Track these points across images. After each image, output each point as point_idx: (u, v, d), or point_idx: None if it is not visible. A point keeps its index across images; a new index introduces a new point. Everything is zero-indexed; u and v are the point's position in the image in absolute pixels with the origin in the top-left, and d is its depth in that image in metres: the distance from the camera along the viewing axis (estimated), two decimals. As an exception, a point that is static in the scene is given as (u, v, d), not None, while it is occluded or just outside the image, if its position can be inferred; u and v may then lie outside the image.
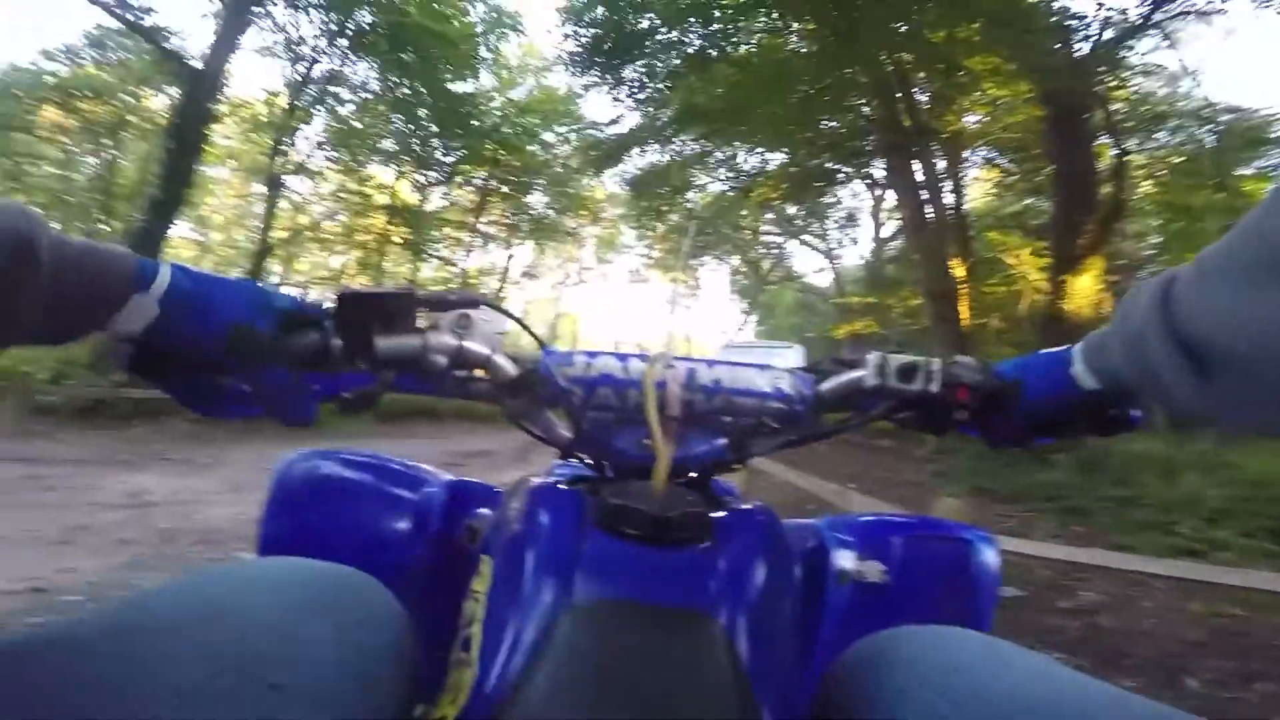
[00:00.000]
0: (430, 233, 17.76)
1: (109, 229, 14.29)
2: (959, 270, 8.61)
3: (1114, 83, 8.04)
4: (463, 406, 10.57)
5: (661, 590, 0.40)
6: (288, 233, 16.24)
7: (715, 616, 0.39)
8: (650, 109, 12.51)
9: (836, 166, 13.61)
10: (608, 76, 11.68)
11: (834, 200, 18.29)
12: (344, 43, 13.10)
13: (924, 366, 0.53)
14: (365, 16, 12.54)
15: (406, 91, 14.33)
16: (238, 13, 9.33)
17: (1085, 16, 7.20)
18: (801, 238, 21.48)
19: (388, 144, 16.09)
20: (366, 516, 0.66)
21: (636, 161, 15.08)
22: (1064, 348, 0.51)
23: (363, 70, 14.24)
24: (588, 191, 21.52)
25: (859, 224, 20.80)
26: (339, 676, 0.33)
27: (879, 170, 13.44)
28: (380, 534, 0.65)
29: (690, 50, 10.51)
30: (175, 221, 9.02)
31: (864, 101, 10.21)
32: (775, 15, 9.54)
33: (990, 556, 0.66)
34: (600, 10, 10.61)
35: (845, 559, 0.63)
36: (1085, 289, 7.07)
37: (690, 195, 18.70)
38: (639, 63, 11.24)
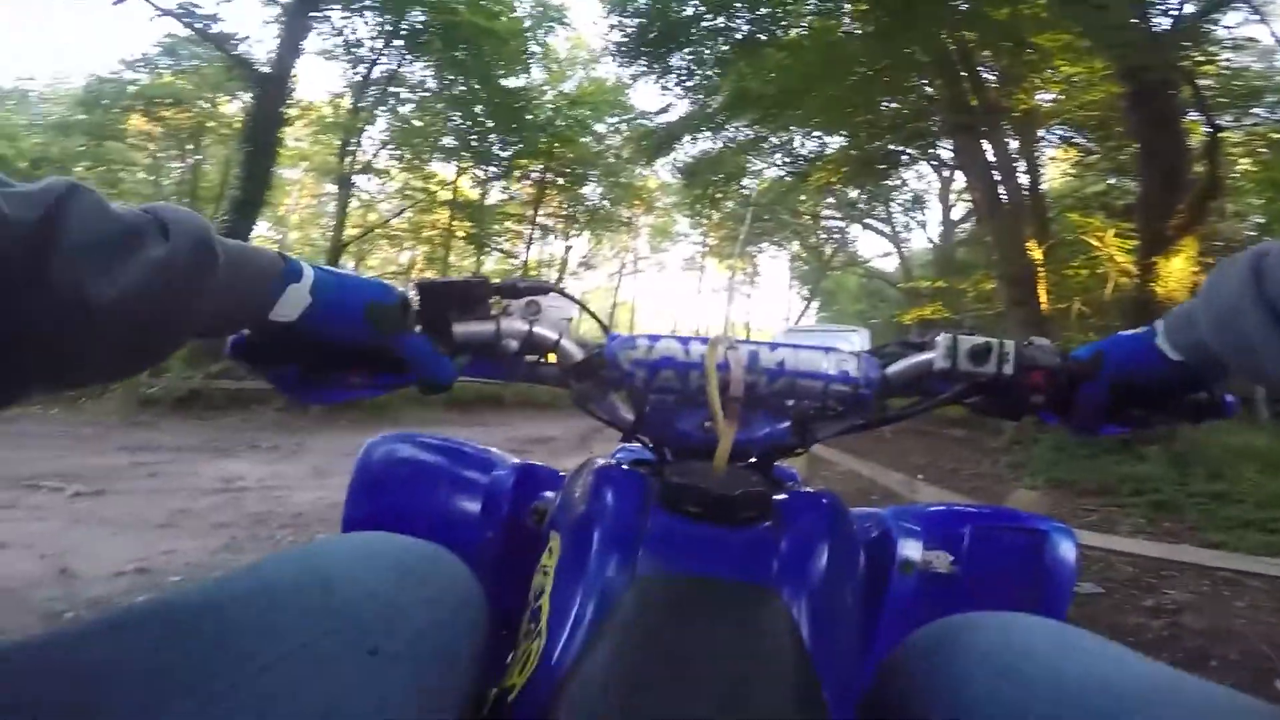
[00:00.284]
0: (491, 226, 18.17)
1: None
2: (1036, 253, 8.16)
3: (1200, 58, 7.42)
4: (526, 395, 10.90)
5: (724, 566, 0.41)
6: (358, 230, 16.92)
7: (778, 592, 0.39)
8: (700, 96, 12.35)
9: (900, 148, 13.10)
10: (655, 65, 11.61)
11: (898, 183, 17.67)
12: (399, 43, 13.48)
13: (997, 349, 0.52)
14: (418, 16, 12.85)
15: (462, 89, 14.63)
16: (298, 17, 9.70)
17: None
18: (865, 221, 20.87)
19: (447, 141, 16.51)
20: (441, 497, 0.68)
21: (688, 149, 15.01)
22: (1145, 326, 0.50)
23: (419, 69, 14.66)
24: (640, 181, 21.54)
25: (926, 206, 20.01)
26: (428, 646, 0.35)
27: (946, 151, 12.89)
28: (453, 514, 0.68)
29: (738, 36, 10.30)
30: (257, 221, 9.58)
31: (926, 81, 9.78)
32: (826, -5, 9.26)
33: (1066, 549, 0.64)
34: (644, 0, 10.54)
35: (911, 548, 0.62)
36: (1178, 272, 6.59)
37: (745, 181, 18.46)
38: (686, 50, 11.13)
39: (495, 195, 19.05)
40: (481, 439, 0.78)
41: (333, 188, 17.00)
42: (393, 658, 0.32)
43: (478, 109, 15.17)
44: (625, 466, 0.51)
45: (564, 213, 20.88)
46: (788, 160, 14.83)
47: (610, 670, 0.33)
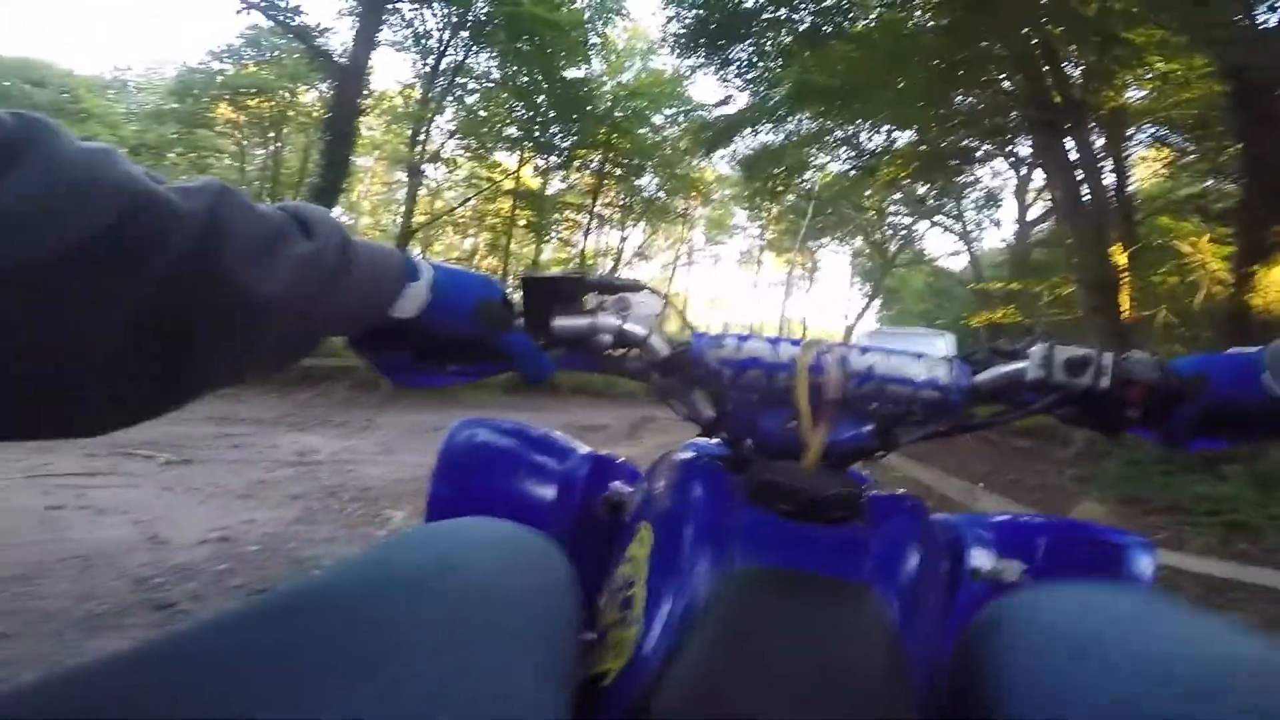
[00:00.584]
0: (551, 215, 18.44)
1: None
2: (1120, 257, 7.71)
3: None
4: (581, 383, 11.02)
5: (819, 561, 0.42)
6: (426, 217, 17.45)
7: (871, 589, 0.40)
8: (761, 89, 12.14)
9: (974, 144, 12.55)
10: (714, 57, 11.47)
11: (971, 180, 16.94)
12: (465, 35, 13.75)
13: (1095, 360, 0.51)
14: (483, 8, 13.11)
15: (525, 79, 14.83)
16: (373, 9, 9.95)
17: None
18: (933, 219, 20.10)
19: (511, 131, 16.80)
20: (519, 483, 0.70)
21: (748, 142, 14.79)
22: (1255, 349, 0.48)
23: (484, 60, 14.94)
24: (697, 173, 21.39)
25: (1001, 204, 19.13)
26: (537, 632, 0.35)
27: (1025, 148, 12.28)
28: (530, 499, 0.69)
29: (802, 28, 10.05)
30: (335, 208, 10.00)
31: (1004, 76, 9.32)
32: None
33: (1145, 564, 0.62)
34: None
35: (982, 557, 0.62)
36: (1279, 283, 6.13)
37: (807, 175, 18.06)
38: (747, 42, 10.93)
39: (555, 185, 19.31)
40: (538, 423, 0.80)
41: (402, 175, 17.58)
42: (514, 645, 0.33)
43: (540, 99, 15.36)
44: (709, 461, 0.52)
45: (621, 203, 20.96)
46: (852, 154, 14.39)
47: (710, 660, 0.33)
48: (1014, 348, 0.56)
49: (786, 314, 25.65)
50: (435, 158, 16.20)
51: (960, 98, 10.49)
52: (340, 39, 10.31)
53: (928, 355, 0.55)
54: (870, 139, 13.37)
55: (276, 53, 15.43)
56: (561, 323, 0.54)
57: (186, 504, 3.07)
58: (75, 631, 1.75)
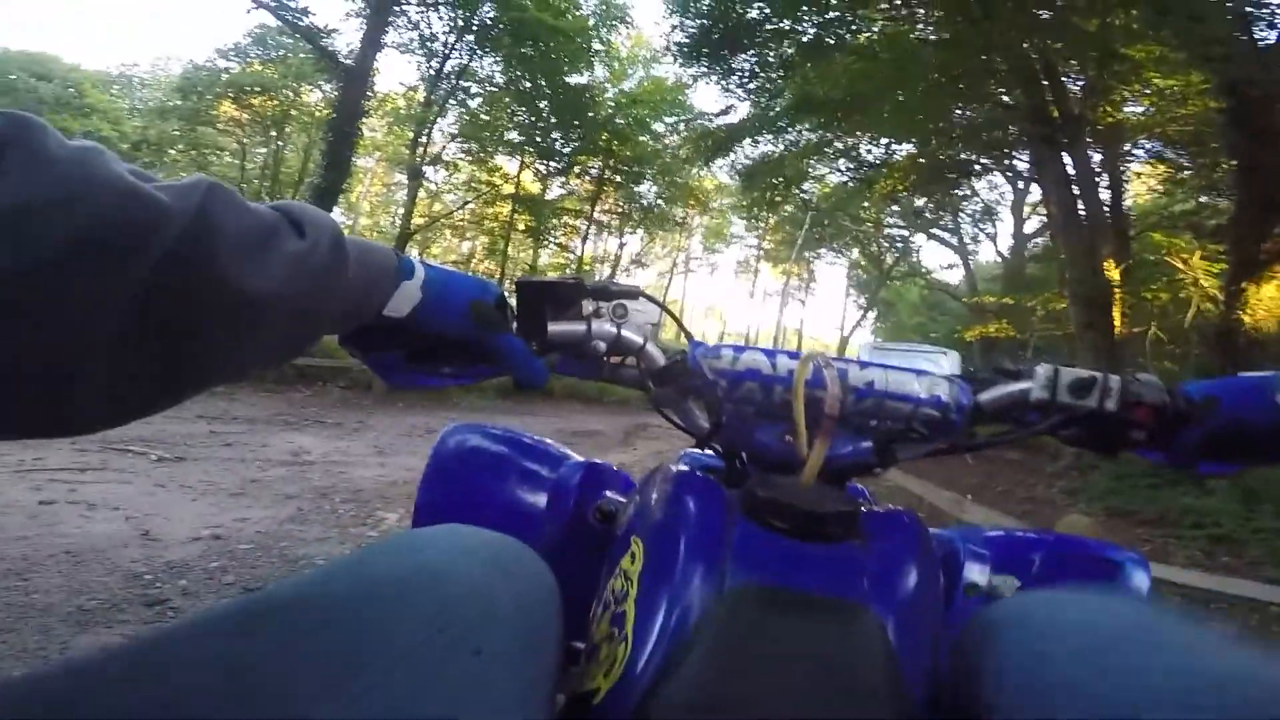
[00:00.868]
0: (550, 221, 18.50)
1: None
2: (1113, 273, 7.77)
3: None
4: (575, 388, 11.02)
5: (815, 580, 0.41)
6: (424, 219, 17.48)
7: (869, 609, 0.39)
8: (762, 99, 12.23)
9: (972, 157, 12.66)
10: (717, 67, 11.52)
11: (968, 192, 17.07)
12: (470, 38, 13.86)
13: (1100, 383, 0.51)
14: (488, 12, 13.22)
15: (528, 84, 14.94)
16: (380, 12, 10.02)
17: (1266, 4, 6.25)
18: (930, 232, 20.24)
19: (512, 135, 16.89)
20: (510, 490, 0.70)
21: (748, 152, 14.90)
22: (1269, 373, 0.48)
23: (488, 64, 15.05)
24: (697, 181, 21.51)
25: (997, 218, 19.28)
26: (522, 643, 0.35)
27: (1022, 162, 12.37)
28: (520, 507, 0.69)
29: (804, 39, 10.13)
30: (335, 208, 10.02)
31: (1004, 90, 9.41)
32: (899, 2, 8.99)
33: (1139, 579, 0.63)
34: (707, 0, 10.47)
35: (976, 572, 0.61)
36: (1270, 299, 6.19)
37: (806, 186, 18.18)
38: (749, 53, 11.01)
39: (555, 190, 19.39)
40: (531, 428, 0.80)
41: (402, 177, 17.63)
42: (495, 658, 0.32)
43: (542, 104, 15.47)
44: (703, 474, 0.51)
45: (619, 210, 21.05)
46: (851, 166, 14.53)
47: (703, 681, 0.33)
48: (1018, 368, 0.56)
49: (783, 323, 25.72)
50: (436, 160, 16.27)
51: (960, 111, 10.59)
52: (346, 39, 10.40)
53: (929, 373, 0.55)
54: (869, 151, 13.52)
55: (282, 52, 15.50)
56: (557, 328, 0.54)
57: (179, 501, 3.06)
58: (66, 626, 1.76)
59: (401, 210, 15.87)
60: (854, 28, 9.89)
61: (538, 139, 16.59)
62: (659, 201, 21.38)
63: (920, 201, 17.01)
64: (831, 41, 9.92)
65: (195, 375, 0.30)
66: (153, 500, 3.01)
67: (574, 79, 15.44)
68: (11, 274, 0.23)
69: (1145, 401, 0.50)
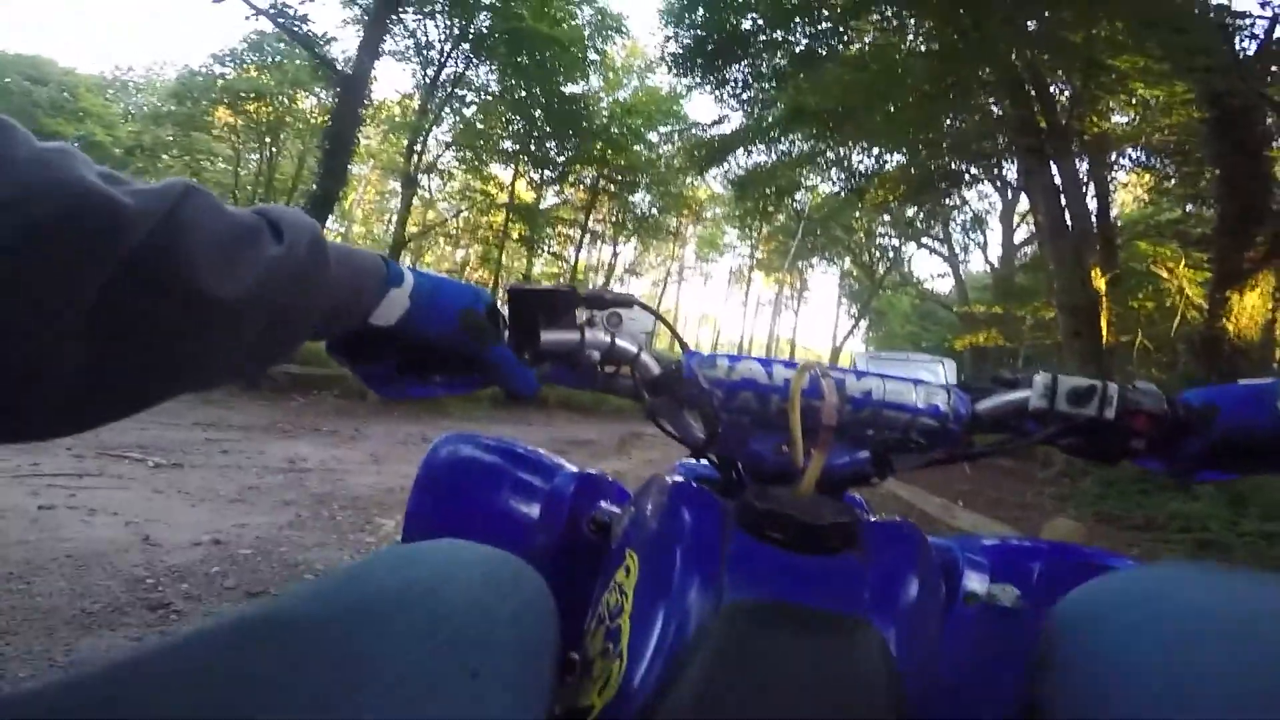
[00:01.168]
0: (544, 229, 18.57)
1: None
2: (1100, 282, 7.89)
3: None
4: (569, 398, 11.02)
5: (815, 594, 0.40)
6: (418, 227, 17.50)
7: (870, 622, 0.38)
8: (755, 109, 12.39)
9: (962, 168, 12.84)
10: (711, 77, 11.69)
11: (958, 202, 17.30)
12: (466, 47, 13.94)
13: (1099, 391, 0.50)
14: (484, 21, 13.31)
15: (523, 93, 15.03)
16: (378, 20, 10.04)
17: (1248, 15, 6.41)
18: (921, 241, 20.45)
19: (507, 144, 16.97)
20: (503, 500, 0.68)
21: (741, 161, 15.07)
22: (1269, 381, 0.47)
23: (484, 73, 15.15)
24: (690, 191, 21.67)
25: (988, 228, 19.57)
26: (518, 662, 0.34)
27: (1011, 172, 12.58)
28: (512, 518, 0.67)
29: (797, 50, 10.29)
30: (331, 216, 10.03)
31: (993, 101, 9.58)
32: (890, 13, 9.14)
33: None
34: (701, 12, 10.61)
35: (976, 581, 0.61)
36: (1253, 308, 6.30)
37: (798, 196, 18.36)
38: (743, 63, 11.17)
39: (549, 199, 19.48)
40: (524, 438, 0.79)
41: (396, 185, 17.63)
42: (491, 679, 0.32)
43: (537, 114, 15.54)
44: (699, 486, 0.50)
45: (614, 219, 21.15)
46: (843, 176, 14.71)
47: (702, 696, 0.32)
48: (1015, 376, 0.56)
49: (776, 332, 25.85)
50: (431, 168, 16.31)
51: (949, 122, 10.76)
52: (342, 46, 10.44)
53: (927, 382, 0.54)
54: (861, 161, 13.69)
55: (278, 58, 15.52)
56: (550, 337, 0.53)
57: (178, 507, 3.07)
58: (69, 629, 1.77)
59: (395, 218, 15.89)
60: (845, 39, 10.05)
61: (532, 148, 16.67)
62: (653, 211, 21.52)
63: (911, 211, 17.19)
64: (823, 53, 10.08)
65: (162, 380, 0.29)
66: (152, 506, 3.02)
67: (569, 88, 15.54)
68: None
69: (1144, 410, 0.49)
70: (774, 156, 14.31)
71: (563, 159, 17.25)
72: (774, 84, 11.22)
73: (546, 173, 17.99)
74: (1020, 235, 17.60)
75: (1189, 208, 10.63)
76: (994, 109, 9.79)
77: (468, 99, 15.69)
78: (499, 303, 0.52)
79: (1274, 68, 6.87)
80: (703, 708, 0.32)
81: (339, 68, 9.59)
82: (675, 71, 12.13)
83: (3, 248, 0.23)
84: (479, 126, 16.42)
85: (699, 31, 10.85)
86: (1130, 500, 5.51)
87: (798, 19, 9.79)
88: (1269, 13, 6.31)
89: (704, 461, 0.61)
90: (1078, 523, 4.20)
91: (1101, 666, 0.36)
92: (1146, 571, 0.40)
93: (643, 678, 0.37)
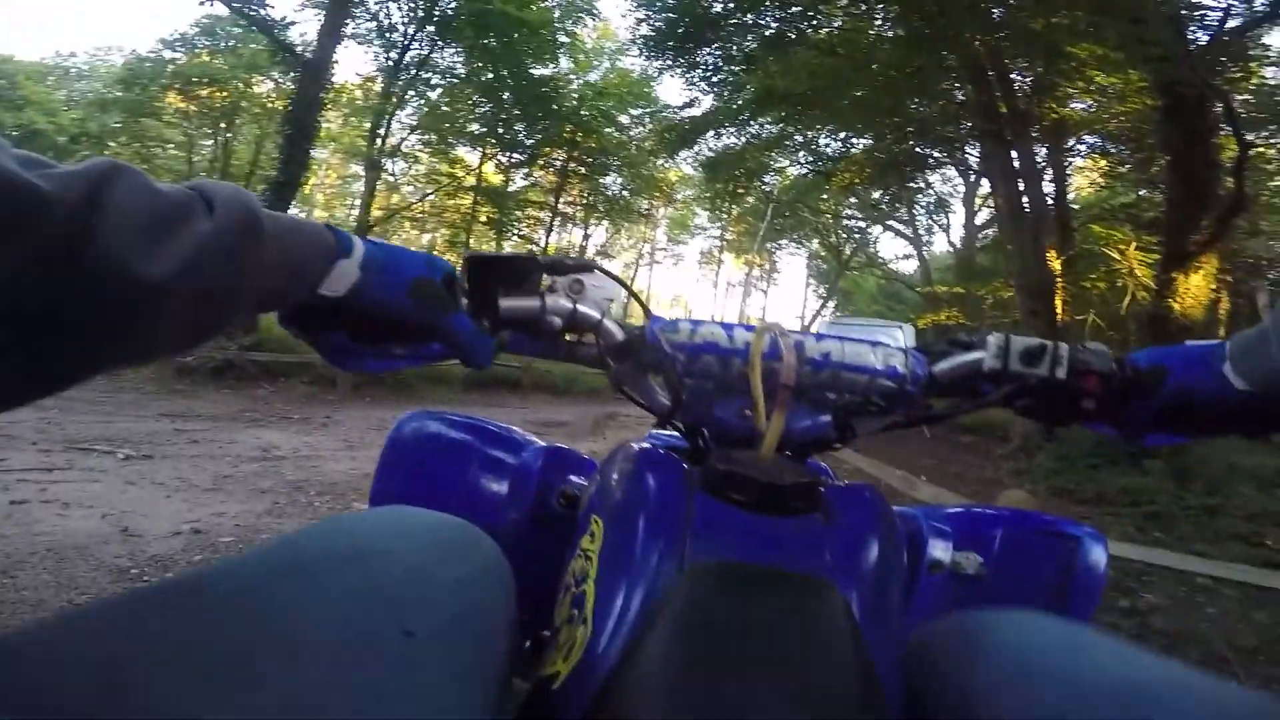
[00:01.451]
0: (513, 212, 18.38)
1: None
2: (1056, 263, 8.19)
3: (1237, 73, 7.41)
4: (543, 379, 11.00)
5: (776, 555, 0.40)
6: (383, 211, 17.17)
7: (832, 583, 0.38)
8: (725, 92, 12.43)
9: (926, 151, 13.10)
10: (682, 60, 11.67)
11: (922, 185, 17.63)
12: (431, 29, 13.63)
13: (1050, 351, 0.51)
14: (450, 3, 13.06)
15: (491, 76, 14.78)
16: (340, 2, 9.75)
17: (1201, 6, 6.67)
18: (887, 223, 20.82)
19: (474, 127, 16.70)
20: (469, 476, 0.68)
21: (711, 144, 15.11)
22: (1215, 342, 0.48)
23: (450, 56, 14.84)
24: (661, 173, 21.64)
25: (951, 210, 19.96)
26: (461, 626, 0.34)
27: (973, 156, 12.87)
28: (480, 493, 0.67)
29: (767, 34, 10.34)
30: (293, 202, 9.78)
31: (956, 86, 9.78)
32: (858, -2, 9.27)
33: (1098, 555, 0.63)
34: None
35: (940, 549, 0.62)
36: (1196, 288, 6.62)
37: (767, 178, 18.50)
38: (713, 46, 11.17)
39: (518, 182, 19.26)
40: (498, 420, 0.80)
41: (359, 168, 17.23)
42: (429, 640, 0.31)
43: (505, 96, 15.31)
44: (664, 451, 0.50)
45: (584, 201, 21.04)
46: (811, 158, 14.88)
47: (667, 659, 0.32)
48: (970, 339, 0.56)
49: (746, 313, 26.11)
50: (395, 152, 15.97)
51: (914, 106, 10.95)
52: (301, 29, 10.12)
53: (885, 344, 0.54)
54: (828, 144, 13.85)
55: (232, 42, 14.96)
56: (509, 304, 0.52)
57: (153, 498, 3.06)
58: (57, 618, 1.79)
59: (358, 202, 15.56)
60: (814, 23, 10.11)
61: (500, 130, 16.43)
62: (624, 193, 21.44)
63: (877, 193, 17.49)
64: (792, 36, 10.13)
65: (78, 362, 0.29)
66: (126, 497, 3.00)
67: (538, 71, 15.33)
68: None
69: (1094, 369, 0.50)
70: (744, 139, 14.42)
71: (532, 142, 17.05)
72: (744, 67, 11.26)
73: (515, 155, 17.77)
74: (982, 218, 18.03)
75: (1141, 192, 11.03)
76: (957, 94, 10.00)
77: (433, 82, 15.40)
78: (459, 273, 0.51)
79: (1223, 58, 7.18)
80: (667, 670, 0.32)
81: (298, 52, 9.31)
82: (646, 54, 12.08)
83: None
84: (444, 109, 16.11)
85: (670, 14, 10.81)
86: (1082, 474, 5.80)
87: (767, 3, 9.82)
88: (1222, 4, 6.56)
89: (673, 432, 0.60)
90: (1030, 495, 4.42)
91: (942, 699, 0.39)
92: (1001, 615, 0.42)
93: (607, 642, 0.36)
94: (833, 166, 14.06)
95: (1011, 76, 9.10)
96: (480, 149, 17.39)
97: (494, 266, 0.51)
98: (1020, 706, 0.34)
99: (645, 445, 0.51)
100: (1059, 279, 8.13)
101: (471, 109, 16.19)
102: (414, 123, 16.08)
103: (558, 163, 18.75)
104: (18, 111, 17.05)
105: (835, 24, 10.09)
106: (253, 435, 4.89)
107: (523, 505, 0.65)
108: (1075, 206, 11.88)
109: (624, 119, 18.39)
